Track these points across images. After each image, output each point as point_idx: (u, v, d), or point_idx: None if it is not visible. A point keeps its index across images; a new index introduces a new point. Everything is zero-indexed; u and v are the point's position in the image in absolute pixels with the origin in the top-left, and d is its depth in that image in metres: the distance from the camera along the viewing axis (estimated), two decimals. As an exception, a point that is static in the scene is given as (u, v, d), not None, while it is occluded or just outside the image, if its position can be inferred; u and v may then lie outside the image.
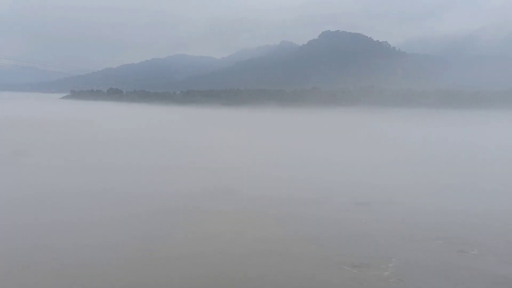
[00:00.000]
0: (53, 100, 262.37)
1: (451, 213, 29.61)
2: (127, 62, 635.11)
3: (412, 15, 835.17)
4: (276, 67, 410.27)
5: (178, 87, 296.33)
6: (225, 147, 60.46)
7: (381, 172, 43.27)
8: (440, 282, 19.54)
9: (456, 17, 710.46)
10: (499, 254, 22.65)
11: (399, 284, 19.21)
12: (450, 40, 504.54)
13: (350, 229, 26.41)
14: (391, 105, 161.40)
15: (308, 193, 34.55)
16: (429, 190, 36.25)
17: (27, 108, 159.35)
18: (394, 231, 25.80)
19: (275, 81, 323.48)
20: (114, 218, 28.03)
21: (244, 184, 37.36)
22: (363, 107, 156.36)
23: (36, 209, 29.95)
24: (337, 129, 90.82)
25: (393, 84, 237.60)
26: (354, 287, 19.01)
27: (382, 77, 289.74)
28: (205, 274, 20.12)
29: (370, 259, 21.62)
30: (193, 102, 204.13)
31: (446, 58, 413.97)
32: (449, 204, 31.81)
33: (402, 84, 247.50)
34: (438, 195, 34.55)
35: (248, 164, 47.11)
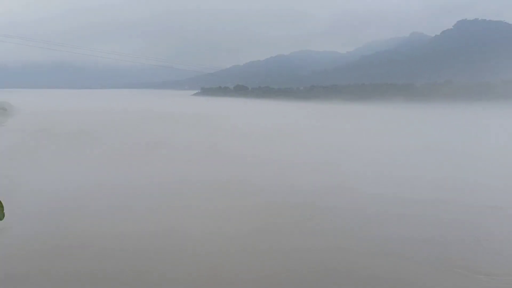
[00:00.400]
0: (186, 96, 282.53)
1: None
2: (253, 59, 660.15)
3: None
4: (405, 61, 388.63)
5: (302, 83, 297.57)
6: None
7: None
8: None
9: None
10: None
11: None
12: None
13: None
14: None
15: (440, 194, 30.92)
16: None
17: (164, 103, 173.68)
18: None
19: (403, 75, 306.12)
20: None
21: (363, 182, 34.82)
22: (507, 103, 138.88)
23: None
24: (476, 126, 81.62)
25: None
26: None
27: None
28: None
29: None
30: (316, 97, 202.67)
31: None
32: None
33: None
34: None
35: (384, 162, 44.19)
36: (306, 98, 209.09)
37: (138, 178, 37.37)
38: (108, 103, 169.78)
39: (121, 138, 64.59)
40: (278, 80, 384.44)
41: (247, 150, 51.72)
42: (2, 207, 1.47)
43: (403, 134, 68.29)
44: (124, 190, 33.39)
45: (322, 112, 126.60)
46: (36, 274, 18.68)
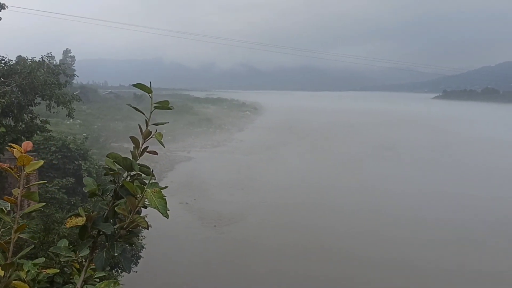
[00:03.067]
0: (425, 99, 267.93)
1: None
2: (508, 60, 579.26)
3: None
4: None
5: None
6: None
7: None
8: None
9: None
10: None
11: None
12: None
13: None
14: None
15: None
16: None
17: (399, 107, 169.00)
18: None
19: None
20: None
21: None
22: None
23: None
24: None
25: None
26: None
27: None
28: None
29: None
30: None
31: None
32: None
33: None
34: None
35: None
36: None
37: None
38: (342, 105, 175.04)
39: (355, 138, 66.05)
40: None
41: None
42: (166, 203, 1.72)
43: None
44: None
45: None
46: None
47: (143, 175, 2.44)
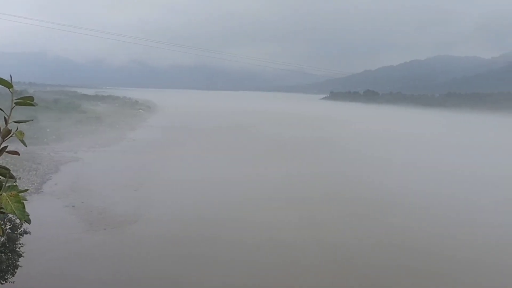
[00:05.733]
0: (314, 100, 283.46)
1: None
2: (386, 65, 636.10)
3: None
4: None
5: (437, 90, 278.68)
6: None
7: None
8: None
9: None
10: None
11: None
12: None
13: None
14: None
15: None
16: None
17: (290, 106, 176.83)
18: None
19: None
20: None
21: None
22: None
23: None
24: None
25: None
26: None
27: None
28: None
29: None
30: (454, 106, 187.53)
31: None
32: None
33: None
34: None
35: None
36: (441, 105, 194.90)
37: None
38: (239, 104, 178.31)
39: (246, 135, 67.62)
40: (412, 86, 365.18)
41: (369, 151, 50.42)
42: (24, 207, 1.62)
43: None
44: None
45: (460, 122, 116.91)
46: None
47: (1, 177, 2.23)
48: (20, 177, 32.37)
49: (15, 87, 2.40)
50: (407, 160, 48.76)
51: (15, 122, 2.39)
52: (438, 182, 38.70)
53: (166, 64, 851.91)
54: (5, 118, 2.38)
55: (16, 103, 2.39)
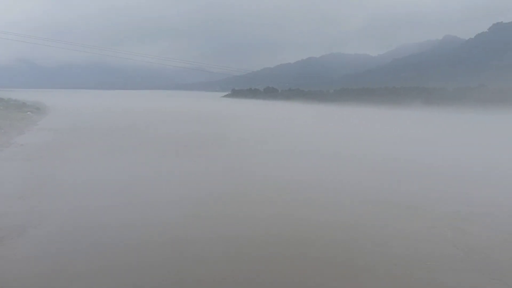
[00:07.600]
0: (216, 97, 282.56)
1: None
2: (284, 62, 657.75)
3: None
4: (438, 64, 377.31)
5: (332, 86, 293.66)
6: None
7: None
8: None
9: None
10: None
11: None
12: None
13: None
14: None
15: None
16: None
17: (195, 104, 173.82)
18: None
19: (435, 78, 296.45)
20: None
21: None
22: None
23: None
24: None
25: None
26: None
27: None
28: None
29: None
30: (346, 100, 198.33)
31: None
32: None
33: None
34: None
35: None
36: (336, 101, 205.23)
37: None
38: (137, 104, 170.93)
39: (144, 136, 63.80)
40: (309, 82, 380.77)
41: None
42: None
43: (445, 142, 64.61)
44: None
45: (353, 115, 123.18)
46: None
47: None
48: None
49: None
50: (297, 150, 48.91)
51: None
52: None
53: (56, 63, 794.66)
54: None
55: None
